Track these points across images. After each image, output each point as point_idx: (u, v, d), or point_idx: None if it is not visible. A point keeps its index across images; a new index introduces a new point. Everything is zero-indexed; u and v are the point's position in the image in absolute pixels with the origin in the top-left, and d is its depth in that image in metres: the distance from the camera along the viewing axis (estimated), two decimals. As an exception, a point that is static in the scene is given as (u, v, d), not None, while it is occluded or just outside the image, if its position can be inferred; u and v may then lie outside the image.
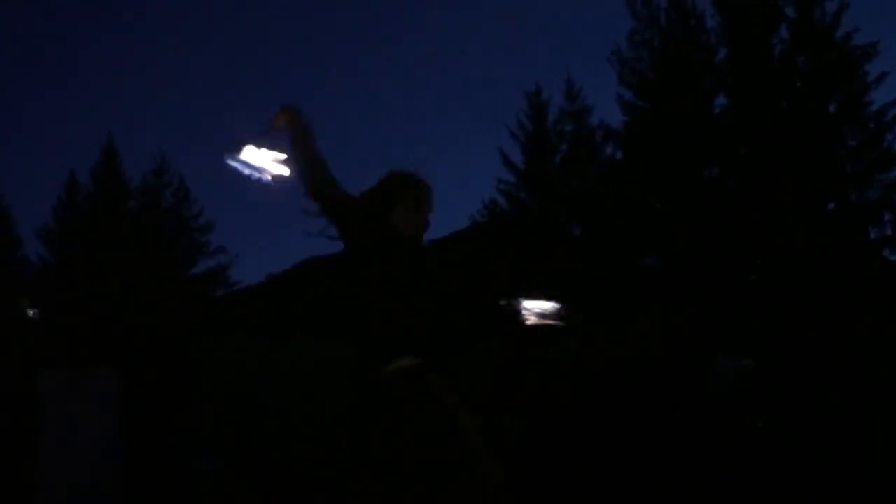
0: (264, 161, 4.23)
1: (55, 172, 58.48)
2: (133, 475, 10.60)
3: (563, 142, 28.04)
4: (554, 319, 4.95)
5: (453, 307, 4.50)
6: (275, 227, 65.14)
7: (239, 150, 4.21)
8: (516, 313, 5.39)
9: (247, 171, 4.22)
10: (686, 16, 26.24)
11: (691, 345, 16.85)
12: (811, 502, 7.82)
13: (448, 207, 28.98)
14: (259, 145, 4.20)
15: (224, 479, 10.76)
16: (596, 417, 11.68)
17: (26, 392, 11.05)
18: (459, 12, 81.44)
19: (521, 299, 5.02)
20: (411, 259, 4.31)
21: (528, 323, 5.08)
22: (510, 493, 4.05)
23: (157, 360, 13.92)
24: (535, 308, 4.91)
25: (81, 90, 71.61)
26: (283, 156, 4.23)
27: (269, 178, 4.24)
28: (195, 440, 12.16)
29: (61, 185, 33.79)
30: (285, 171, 4.27)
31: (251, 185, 4.18)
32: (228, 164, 4.24)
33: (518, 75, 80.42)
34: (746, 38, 24.84)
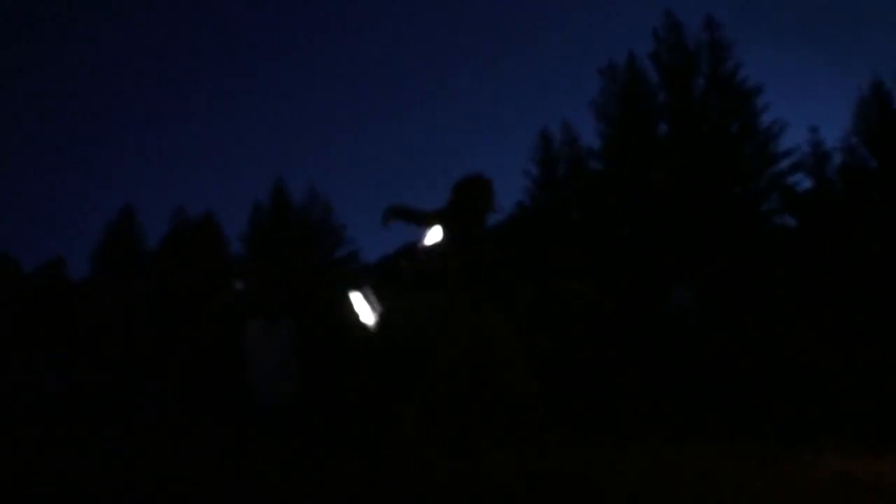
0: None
1: (244, 197, 58.67)
2: (305, 384, 10.47)
3: (564, 160, 27.96)
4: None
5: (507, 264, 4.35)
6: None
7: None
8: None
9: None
10: (636, 74, 26.25)
11: (658, 281, 16.50)
12: (738, 374, 7.55)
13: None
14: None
15: (364, 386, 10.61)
16: (598, 332, 11.33)
17: (238, 334, 10.95)
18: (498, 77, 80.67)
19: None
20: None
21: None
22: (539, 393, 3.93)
23: (318, 314, 13.73)
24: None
25: (255, 143, 71.73)
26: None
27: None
28: (346, 363, 12.01)
29: (250, 206, 34.44)
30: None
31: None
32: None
33: (534, 120, 79.55)
34: (676, 86, 24.85)
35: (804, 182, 24.26)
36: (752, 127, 24.12)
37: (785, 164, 23.92)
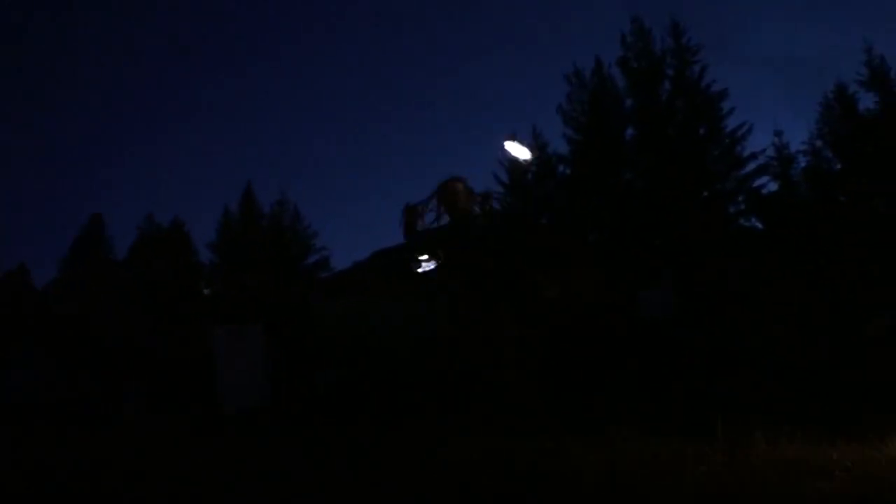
0: None
1: (213, 206, 58.34)
2: (275, 386, 10.40)
3: (533, 165, 28.01)
4: None
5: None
6: (356, 231, 64.70)
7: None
8: None
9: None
10: (603, 80, 26.46)
11: (625, 285, 16.50)
12: (708, 377, 7.53)
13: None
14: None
15: (336, 385, 10.54)
16: (575, 332, 11.35)
17: (205, 339, 10.88)
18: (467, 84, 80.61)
19: None
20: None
21: None
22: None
23: (288, 318, 13.64)
24: None
25: (221, 152, 71.16)
26: None
27: None
28: (317, 363, 11.93)
29: (220, 213, 34.13)
30: None
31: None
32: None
33: (503, 124, 79.75)
34: (643, 90, 25.03)
35: (770, 185, 24.53)
36: (718, 130, 24.36)
37: (751, 167, 24.19)
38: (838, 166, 24.58)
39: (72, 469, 4.44)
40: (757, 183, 24.22)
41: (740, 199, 24.10)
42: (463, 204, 4.62)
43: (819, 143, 25.01)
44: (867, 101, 24.45)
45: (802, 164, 24.94)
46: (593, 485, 2.71)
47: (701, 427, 3.81)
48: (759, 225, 23.96)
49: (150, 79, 78.65)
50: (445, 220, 4.81)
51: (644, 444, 3.55)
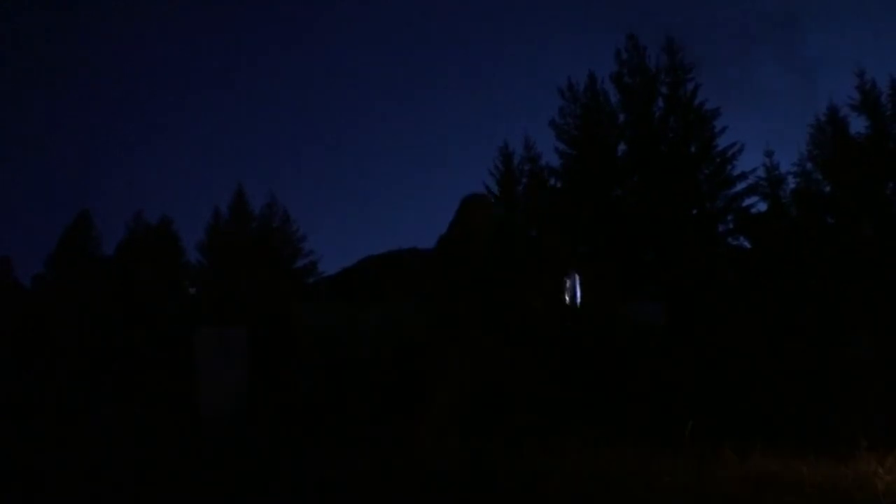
0: None
1: (202, 208, 58.18)
2: (258, 389, 10.34)
3: (523, 176, 28.12)
4: None
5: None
6: (345, 236, 64.46)
7: None
8: None
9: None
10: (597, 94, 26.42)
11: (615, 296, 16.56)
12: (696, 384, 7.59)
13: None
14: None
15: (316, 388, 10.50)
16: (568, 340, 11.33)
17: (187, 340, 10.81)
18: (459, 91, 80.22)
19: None
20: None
21: None
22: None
23: (274, 321, 13.59)
24: None
25: (213, 153, 70.74)
26: None
27: None
28: (298, 365, 11.88)
29: (210, 215, 33.93)
30: None
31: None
32: None
33: (494, 131, 79.78)
34: (636, 106, 25.13)
35: (759, 205, 24.68)
36: (710, 149, 24.47)
37: (741, 186, 24.34)
38: (827, 188, 24.74)
39: (45, 469, 4.42)
40: (746, 203, 24.45)
41: (729, 218, 24.24)
42: (477, 221, 4.71)
43: (809, 165, 25.19)
44: (858, 125, 24.65)
45: (792, 186, 25.14)
46: (554, 493, 2.73)
47: (676, 437, 3.83)
48: (747, 244, 24.10)
49: (143, 78, 78.43)
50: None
51: (612, 453, 3.56)
